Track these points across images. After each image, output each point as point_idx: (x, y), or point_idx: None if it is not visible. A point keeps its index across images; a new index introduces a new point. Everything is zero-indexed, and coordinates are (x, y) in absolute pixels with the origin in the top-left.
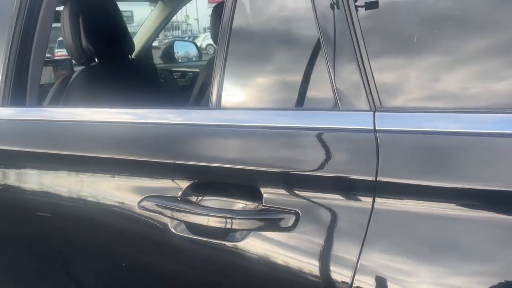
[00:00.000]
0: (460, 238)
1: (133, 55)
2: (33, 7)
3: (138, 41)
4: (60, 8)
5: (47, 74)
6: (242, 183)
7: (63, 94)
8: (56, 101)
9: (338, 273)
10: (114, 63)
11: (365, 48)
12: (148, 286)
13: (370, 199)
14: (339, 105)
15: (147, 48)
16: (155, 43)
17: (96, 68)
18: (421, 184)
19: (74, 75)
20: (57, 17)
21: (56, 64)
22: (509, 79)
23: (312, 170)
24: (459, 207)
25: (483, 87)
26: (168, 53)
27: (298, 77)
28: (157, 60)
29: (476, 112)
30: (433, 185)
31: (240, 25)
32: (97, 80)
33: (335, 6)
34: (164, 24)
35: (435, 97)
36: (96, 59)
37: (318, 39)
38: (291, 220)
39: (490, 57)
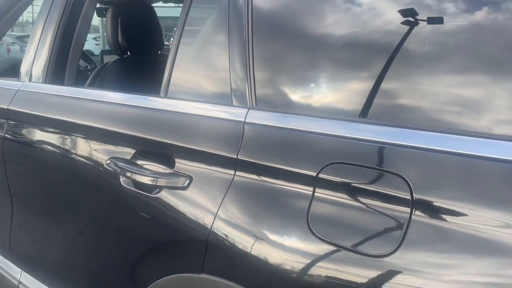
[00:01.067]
0: (290, 204)
1: None
2: (77, 2)
3: None
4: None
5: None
6: (164, 153)
7: (98, 78)
8: (93, 83)
9: (205, 218)
10: (143, 56)
11: (253, 61)
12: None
13: (232, 172)
14: (233, 102)
15: None
16: None
17: (128, 59)
18: (268, 165)
19: (109, 63)
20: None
21: None
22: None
23: (201, 147)
24: (292, 184)
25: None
26: None
27: (211, 79)
28: None
29: (323, 118)
30: (277, 166)
31: (188, 28)
32: (126, 69)
33: (242, 30)
34: None
35: (294, 104)
36: (128, 52)
37: (228, 54)
38: (186, 181)
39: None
